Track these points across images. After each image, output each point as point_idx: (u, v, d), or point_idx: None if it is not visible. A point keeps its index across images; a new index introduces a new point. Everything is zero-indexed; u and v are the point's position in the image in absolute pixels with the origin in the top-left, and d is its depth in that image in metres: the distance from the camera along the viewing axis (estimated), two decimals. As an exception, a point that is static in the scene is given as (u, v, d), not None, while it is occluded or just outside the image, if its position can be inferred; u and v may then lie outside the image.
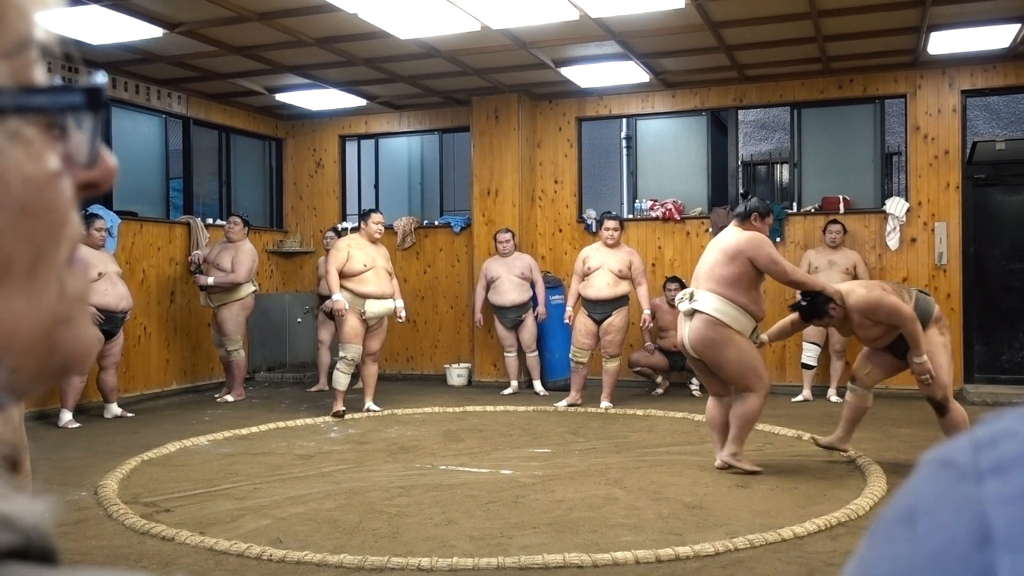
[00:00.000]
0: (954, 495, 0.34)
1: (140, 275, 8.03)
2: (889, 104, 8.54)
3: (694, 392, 8.05)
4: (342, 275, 6.98)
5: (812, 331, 7.67)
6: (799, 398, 7.76)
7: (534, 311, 8.20)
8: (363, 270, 6.99)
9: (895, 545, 0.35)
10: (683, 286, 7.97)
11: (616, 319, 7.36)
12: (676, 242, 8.74)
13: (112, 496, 4.54)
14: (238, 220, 8.04)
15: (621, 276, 7.32)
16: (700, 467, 5.19)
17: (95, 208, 7.42)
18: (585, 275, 7.39)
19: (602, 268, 7.32)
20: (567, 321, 7.57)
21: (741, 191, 4.84)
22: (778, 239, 8.41)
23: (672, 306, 7.77)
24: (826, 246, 7.75)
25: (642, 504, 4.41)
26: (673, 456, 5.56)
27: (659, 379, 8.29)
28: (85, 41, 6.63)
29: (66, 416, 6.70)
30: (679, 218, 8.71)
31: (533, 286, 8.18)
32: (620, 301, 7.35)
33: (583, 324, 7.43)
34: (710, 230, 8.62)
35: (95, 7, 5.88)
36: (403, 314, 7.26)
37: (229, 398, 7.98)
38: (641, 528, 3.99)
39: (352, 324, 6.99)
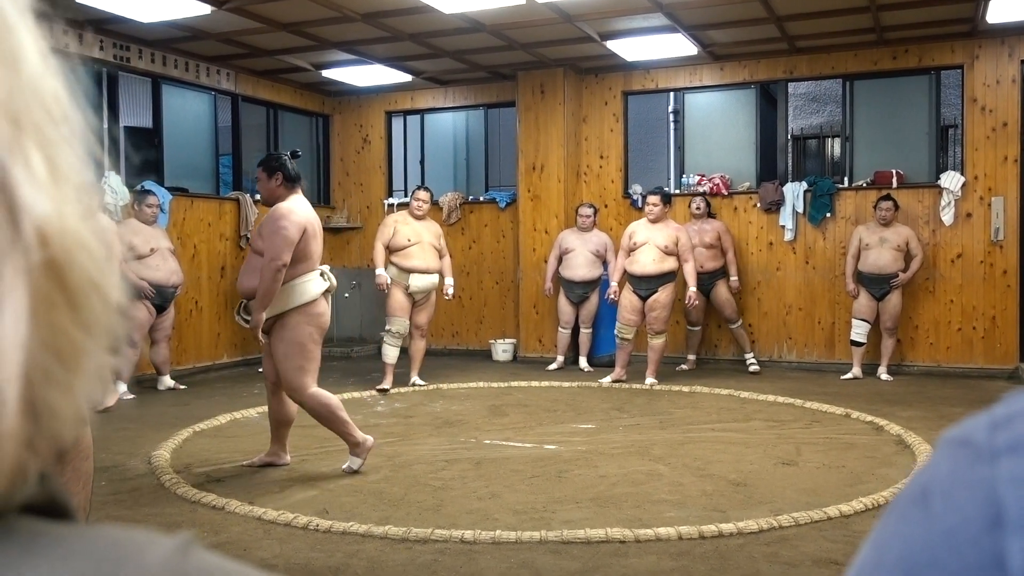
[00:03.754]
0: (968, 475, 0.33)
1: (191, 250, 8.17)
2: (945, 75, 8.32)
3: (751, 367, 7.98)
4: (389, 250, 7.05)
5: (862, 307, 7.55)
6: (848, 376, 7.65)
7: (601, 289, 8.12)
8: (407, 245, 7.04)
9: (909, 525, 0.35)
10: (708, 203, 8.05)
11: (662, 295, 7.31)
12: (723, 217, 8.62)
13: (165, 466, 4.66)
14: None
15: (667, 252, 7.26)
16: (745, 444, 5.16)
17: (148, 184, 7.57)
18: (631, 251, 7.35)
19: (648, 244, 7.26)
20: (612, 297, 7.54)
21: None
22: (828, 214, 8.27)
23: (697, 218, 8.07)
24: (877, 223, 7.59)
25: (686, 480, 4.40)
26: (718, 433, 5.53)
27: (689, 356, 8.26)
28: (135, 19, 6.73)
29: (121, 387, 6.87)
30: (726, 193, 8.60)
31: (605, 265, 8.12)
32: (666, 277, 7.30)
33: (628, 300, 7.39)
34: (758, 205, 8.51)
35: (145, -15, 5.95)
36: (451, 291, 7.31)
37: None
38: (684, 504, 3.98)
39: (397, 298, 7.07)
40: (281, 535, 3.59)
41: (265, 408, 6.35)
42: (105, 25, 7.10)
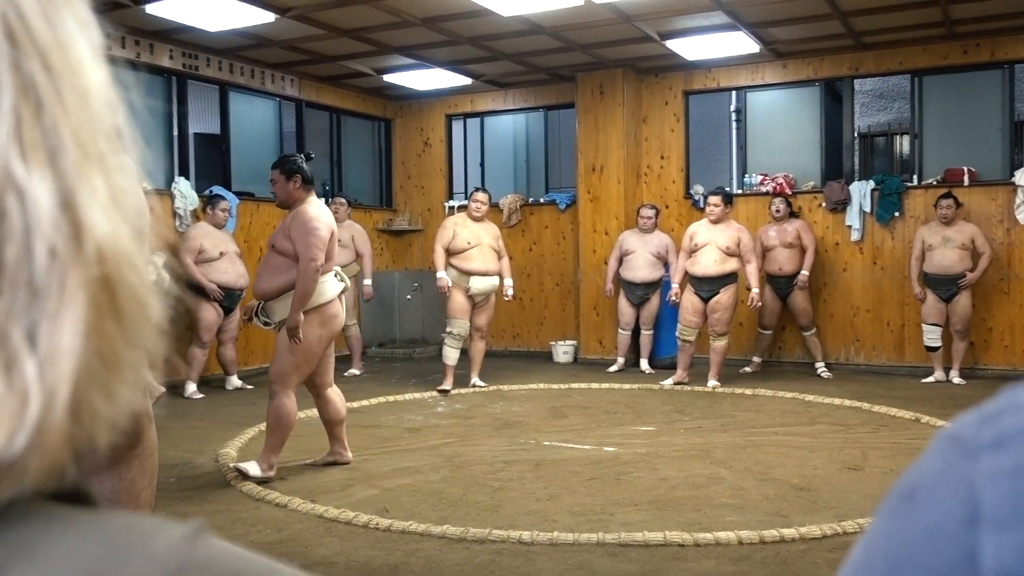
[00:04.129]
0: (952, 471, 0.33)
1: (257, 253, 8.33)
2: (1019, 69, 8.04)
3: (821, 373, 7.82)
4: (448, 252, 7.10)
5: (931, 311, 7.34)
6: (930, 379, 7.42)
7: (662, 291, 8.06)
8: (467, 247, 7.07)
9: (895, 522, 0.34)
10: (788, 203, 7.80)
11: (723, 297, 7.21)
12: (787, 217, 8.47)
13: (231, 464, 4.76)
14: (343, 201, 8.29)
15: (729, 253, 7.17)
16: (810, 448, 5.06)
17: (217, 189, 7.77)
18: (692, 252, 7.27)
19: (709, 245, 7.18)
20: (673, 298, 7.47)
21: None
22: (897, 213, 8.08)
23: (778, 220, 7.84)
24: (939, 222, 7.36)
25: (747, 484, 4.33)
26: (781, 436, 5.44)
27: (755, 358, 8.12)
28: (203, 28, 6.90)
29: (191, 387, 7.05)
30: (790, 193, 8.45)
31: (667, 266, 8.05)
32: (728, 279, 7.20)
33: (690, 302, 7.32)
34: (823, 204, 8.34)
35: (212, -5, 6.11)
36: (510, 292, 7.31)
37: (355, 371, 8.24)
38: (745, 509, 3.93)
39: (458, 300, 7.10)
40: (342, 533, 3.64)
41: (328, 408, 6.46)
42: (174, 35, 7.30)
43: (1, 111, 0.30)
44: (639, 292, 8.08)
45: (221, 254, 7.12)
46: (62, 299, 0.30)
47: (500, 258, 7.27)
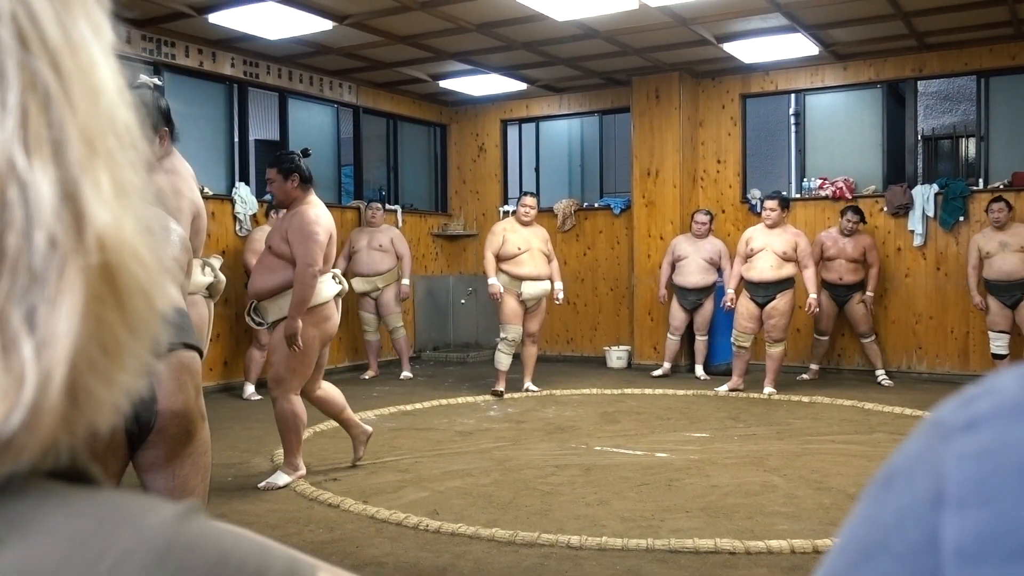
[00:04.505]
0: (927, 454, 0.33)
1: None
2: (1093, 68, 7.78)
3: (881, 381, 7.65)
4: (499, 258, 7.10)
5: (996, 318, 7.13)
6: None
7: (715, 296, 7.99)
8: (518, 253, 7.07)
9: (873, 506, 0.34)
10: (861, 215, 7.61)
11: (780, 302, 7.11)
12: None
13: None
14: (379, 206, 8.39)
15: (786, 258, 7.06)
16: (867, 457, 4.96)
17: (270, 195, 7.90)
18: (748, 257, 7.18)
19: (765, 250, 7.08)
20: (728, 304, 7.38)
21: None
22: (961, 218, 7.87)
23: (848, 235, 7.49)
24: (992, 227, 7.13)
25: (802, 493, 4.26)
26: (838, 445, 5.33)
27: (812, 365, 7.97)
28: (263, 36, 7.05)
29: (249, 389, 7.19)
30: (850, 197, 8.30)
31: (720, 272, 7.98)
32: (784, 284, 7.09)
33: (745, 307, 7.22)
34: (885, 209, 8.17)
35: (271, 3, 6.24)
36: (560, 295, 7.29)
37: (408, 374, 8.33)
38: (799, 517, 3.86)
39: (510, 305, 7.11)
40: (392, 534, 3.68)
41: (383, 411, 6.53)
42: (236, 43, 7.47)
43: (7, 107, 0.32)
44: (692, 297, 8.00)
45: None
46: (61, 285, 0.32)
47: (549, 261, 7.25)
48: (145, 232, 0.36)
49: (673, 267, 8.05)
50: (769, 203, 7.19)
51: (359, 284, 8.25)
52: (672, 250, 8.12)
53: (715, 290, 7.95)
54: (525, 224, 7.21)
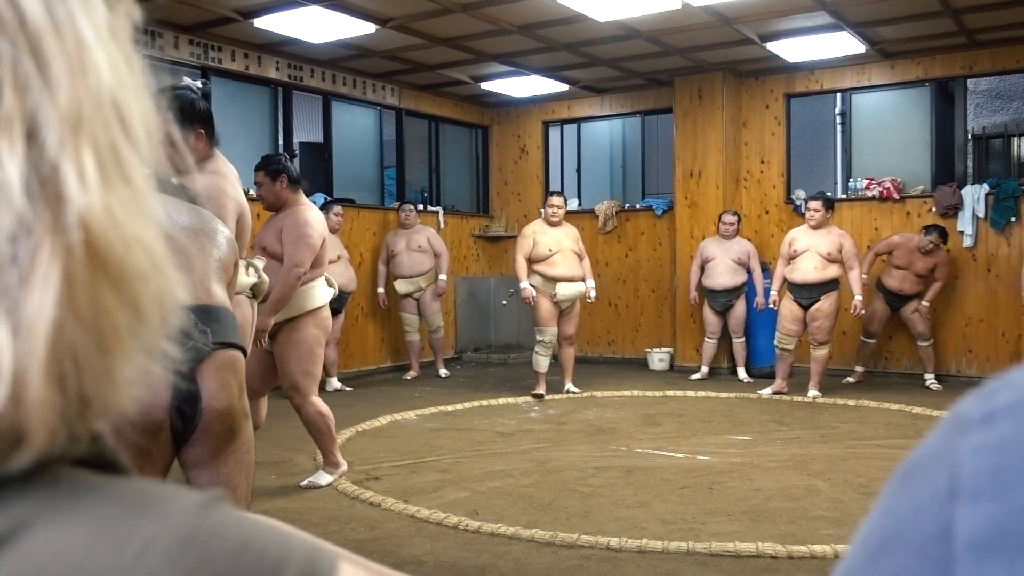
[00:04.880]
0: (945, 448, 0.32)
1: (357, 259, 8.55)
2: None
3: (930, 385, 7.50)
4: (531, 261, 7.07)
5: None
6: None
7: (746, 297, 7.93)
8: (550, 254, 7.02)
9: (890, 499, 0.34)
10: (944, 238, 7.40)
11: (824, 304, 7.00)
12: (895, 223, 8.18)
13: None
14: (411, 208, 8.44)
15: (830, 259, 6.96)
16: (914, 462, 4.86)
17: (317, 196, 8.00)
18: (791, 258, 7.10)
19: (809, 251, 6.99)
20: (771, 306, 7.30)
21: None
22: (1013, 218, 7.69)
23: (924, 253, 7.30)
24: None
25: (847, 498, 4.20)
26: (885, 449, 5.25)
27: (858, 367, 7.84)
28: (307, 40, 7.13)
29: None
30: (898, 197, 8.16)
31: (749, 272, 7.92)
32: (829, 285, 6.99)
33: (789, 309, 7.13)
34: (933, 209, 8.02)
35: (315, 8, 6.31)
36: (593, 293, 7.22)
37: (443, 372, 8.40)
38: (844, 522, 3.80)
39: (545, 307, 7.09)
40: (432, 533, 3.70)
41: (424, 411, 6.57)
42: (280, 47, 7.57)
43: None
44: (721, 299, 7.95)
45: (338, 258, 7.35)
46: (34, 267, 0.32)
47: (581, 260, 7.20)
48: (149, 217, 0.36)
49: (703, 270, 8.02)
50: (813, 204, 7.10)
51: (402, 286, 8.30)
52: (700, 252, 8.09)
53: (744, 291, 7.89)
54: (554, 224, 7.15)
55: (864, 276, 7.14)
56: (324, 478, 4.48)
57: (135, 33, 0.38)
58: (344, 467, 4.56)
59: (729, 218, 8.02)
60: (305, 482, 4.49)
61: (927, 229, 7.42)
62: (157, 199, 0.37)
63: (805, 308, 7.07)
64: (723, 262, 7.90)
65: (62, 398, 0.32)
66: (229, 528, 0.34)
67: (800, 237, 7.10)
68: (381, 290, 8.32)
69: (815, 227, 7.04)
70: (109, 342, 0.34)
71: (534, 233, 7.13)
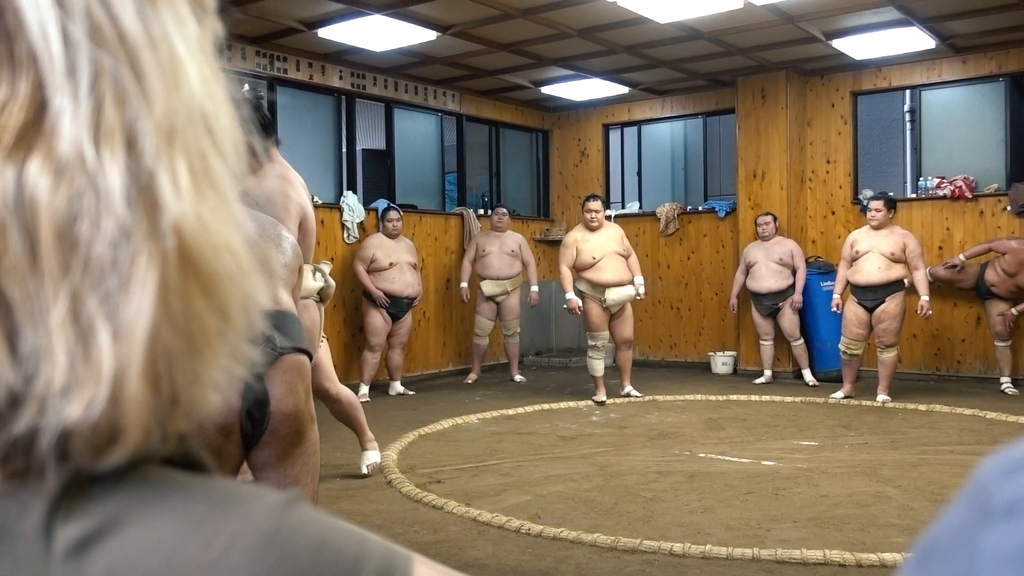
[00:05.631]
0: (965, 537, 0.31)
1: (420, 263, 8.63)
2: None
3: (1005, 389, 7.25)
4: (577, 268, 7.01)
5: None
6: None
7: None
8: (595, 261, 6.95)
9: None
10: None
11: (890, 305, 6.84)
12: (967, 222, 7.96)
13: (392, 465, 4.96)
14: (504, 211, 8.49)
15: (894, 259, 6.80)
16: (989, 469, 4.71)
17: (380, 202, 8.11)
18: (853, 260, 6.95)
19: (872, 252, 6.85)
20: (834, 309, 7.16)
21: None
22: (1093, 217, 7.40)
23: None
24: None
25: (918, 505, 4.09)
26: (958, 455, 5.10)
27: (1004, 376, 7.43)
28: (369, 49, 7.24)
29: (363, 389, 7.39)
30: (970, 196, 7.92)
31: (794, 272, 7.81)
32: (894, 286, 6.82)
33: (853, 313, 6.97)
34: (1008, 208, 7.77)
35: (377, 16, 6.40)
36: (642, 291, 7.09)
37: (518, 378, 8.45)
38: (915, 530, 3.71)
39: (595, 312, 7.04)
40: (494, 537, 3.71)
41: (485, 415, 6.60)
42: (343, 56, 7.69)
43: (79, 100, 0.33)
44: (767, 302, 7.85)
45: (391, 264, 7.43)
46: (133, 272, 0.33)
47: (628, 257, 7.09)
48: (236, 224, 0.37)
49: (747, 274, 7.94)
50: (874, 204, 6.95)
51: (489, 287, 8.36)
52: (744, 256, 8.03)
53: (792, 293, 7.77)
54: (594, 229, 7.06)
55: (962, 259, 6.96)
56: (376, 454, 4.79)
57: (218, 47, 0.39)
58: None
59: (764, 219, 8.00)
60: (367, 469, 4.74)
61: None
62: (241, 207, 0.38)
63: (870, 311, 6.91)
64: (765, 264, 7.83)
65: (156, 399, 0.34)
66: (309, 527, 0.36)
67: (862, 238, 6.96)
68: (465, 284, 8.38)
69: (877, 227, 6.90)
70: (199, 345, 0.35)
71: (576, 242, 7.05)
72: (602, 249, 7.00)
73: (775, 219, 8.02)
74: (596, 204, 7.12)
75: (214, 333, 0.36)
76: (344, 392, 4.52)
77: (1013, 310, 7.18)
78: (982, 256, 7.32)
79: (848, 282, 7.01)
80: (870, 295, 6.88)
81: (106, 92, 0.33)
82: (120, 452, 0.34)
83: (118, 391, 0.33)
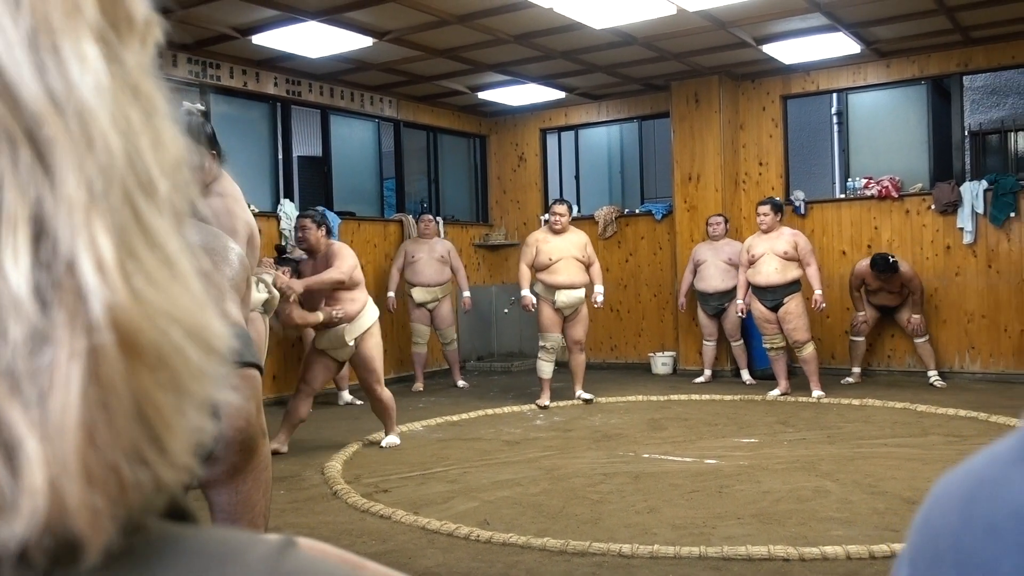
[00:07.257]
0: (1012, 472, 0.32)
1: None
2: None
3: (934, 383, 7.50)
4: (534, 268, 7.10)
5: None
6: None
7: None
8: (551, 263, 7.02)
9: None
10: (889, 267, 7.42)
11: (791, 305, 7.20)
12: (894, 221, 8.21)
13: (337, 476, 4.91)
14: (431, 218, 8.52)
15: (788, 258, 7.16)
16: (922, 460, 4.88)
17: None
18: (751, 263, 7.26)
19: (767, 254, 7.20)
20: (739, 314, 7.54)
21: None
22: (1012, 214, 7.71)
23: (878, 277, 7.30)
24: None
25: (855, 498, 4.21)
26: (891, 448, 5.26)
27: (854, 369, 7.84)
28: (305, 55, 7.16)
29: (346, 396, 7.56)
30: (897, 196, 8.18)
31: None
32: (792, 287, 7.22)
33: (760, 312, 7.34)
34: (932, 207, 8.04)
35: (312, 23, 6.34)
36: (600, 299, 7.21)
37: (461, 383, 8.44)
38: (854, 523, 3.81)
39: (547, 314, 7.10)
40: (444, 544, 3.70)
41: (430, 421, 6.58)
42: (278, 63, 7.60)
43: None
44: (713, 302, 8.01)
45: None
46: (54, 376, 0.29)
47: (589, 266, 7.18)
48: (182, 277, 0.33)
49: (695, 273, 8.08)
50: (762, 208, 7.34)
51: (420, 294, 8.31)
52: (693, 257, 8.17)
53: (734, 293, 7.96)
54: (558, 232, 7.12)
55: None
56: (396, 439, 5.72)
57: (156, 58, 0.35)
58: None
59: (715, 219, 8.15)
60: (385, 442, 5.67)
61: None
62: (188, 238, 0.34)
63: (773, 310, 7.21)
64: (714, 264, 7.97)
65: (108, 497, 0.30)
66: (306, 572, 0.35)
67: (756, 243, 7.32)
68: (391, 294, 8.31)
69: (767, 231, 7.26)
70: (156, 425, 0.32)
71: (537, 242, 7.14)
72: (560, 252, 7.05)
73: (726, 220, 8.15)
74: (561, 208, 7.18)
75: (170, 409, 0.32)
76: (386, 394, 5.57)
77: (915, 315, 7.49)
78: (859, 296, 7.64)
79: (750, 284, 7.31)
80: (770, 295, 7.21)
81: (2, 179, 0.29)
82: (90, 553, 0.31)
83: (58, 500, 0.29)
